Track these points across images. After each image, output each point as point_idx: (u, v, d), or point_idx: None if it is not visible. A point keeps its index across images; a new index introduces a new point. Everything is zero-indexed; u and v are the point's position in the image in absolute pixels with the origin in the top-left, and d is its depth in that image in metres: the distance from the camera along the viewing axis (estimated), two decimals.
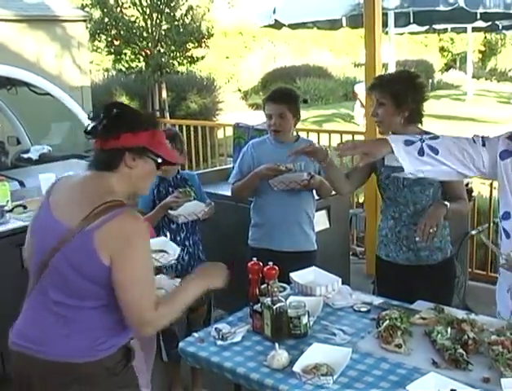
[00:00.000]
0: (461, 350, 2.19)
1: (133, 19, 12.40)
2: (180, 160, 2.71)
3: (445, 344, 2.25)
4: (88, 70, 13.09)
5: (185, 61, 12.85)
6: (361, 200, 6.19)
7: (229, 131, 6.29)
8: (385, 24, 7.31)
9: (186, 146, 3.73)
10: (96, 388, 2.03)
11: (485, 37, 26.44)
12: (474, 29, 11.44)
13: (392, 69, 8.99)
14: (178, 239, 3.44)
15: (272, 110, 3.44)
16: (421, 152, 2.28)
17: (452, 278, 3.16)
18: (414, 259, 2.98)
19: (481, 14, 7.33)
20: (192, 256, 3.50)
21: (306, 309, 2.47)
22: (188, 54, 12.73)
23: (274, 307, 2.43)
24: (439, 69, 26.71)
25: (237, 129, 4.85)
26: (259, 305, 2.52)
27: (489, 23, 8.61)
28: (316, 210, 3.81)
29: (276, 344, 2.30)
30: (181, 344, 2.51)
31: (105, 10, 12.18)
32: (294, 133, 3.69)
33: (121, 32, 12.21)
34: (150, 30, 12.30)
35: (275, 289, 2.52)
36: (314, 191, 3.58)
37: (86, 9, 12.61)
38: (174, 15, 12.41)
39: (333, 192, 3.47)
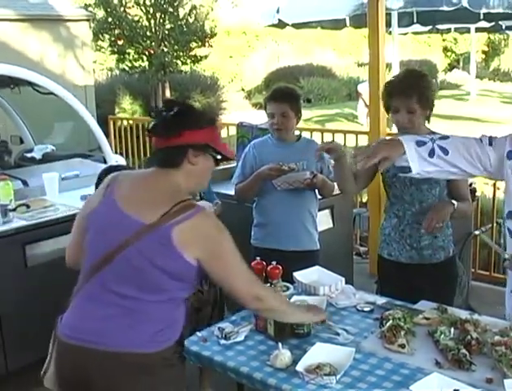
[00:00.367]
0: (464, 351, 2.19)
1: (136, 18, 12.43)
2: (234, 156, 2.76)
3: (448, 345, 2.25)
4: (91, 69, 13.10)
5: (188, 60, 12.88)
6: (365, 200, 6.18)
7: (233, 130, 6.28)
8: (388, 24, 7.31)
9: None
10: (156, 378, 2.07)
11: (488, 38, 26.38)
12: (478, 29, 11.42)
13: (396, 69, 8.99)
14: None
15: (274, 109, 3.44)
16: (431, 154, 2.27)
17: (454, 278, 3.16)
18: (417, 258, 2.97)
19: (484, 14, 7.31)
20: None
21: None
22: (192, 53, 12.76)
23: None
24: (442, 69, 26.68)
25: (241, 129, 4.85)
26: None
27: (492, 23, 8.60)
28: (320, 210, 3.81)
29: (279, 344, 2.30)
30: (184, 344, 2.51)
31: (109, 9, 12.21)
32: (296, 132, 3.69)
33: (125, 32, 12.23)
34: (153, 29, 12.32)
35: (279, 288, 2.52)
36: (316, 191, 3.58)
37: (90, 8, 12.64)
38: (178, 14, 12.43)
39: (336, 192, 3.47)
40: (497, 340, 2.22)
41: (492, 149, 2.32)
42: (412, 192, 2.93)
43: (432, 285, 2.92)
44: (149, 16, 12.20)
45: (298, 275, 2.91)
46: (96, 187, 3.06)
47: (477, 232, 4.96)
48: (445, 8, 6.76)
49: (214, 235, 2.09)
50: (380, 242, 3.15)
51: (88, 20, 12.50)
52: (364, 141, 5.62)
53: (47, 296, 3.79)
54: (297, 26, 8.37)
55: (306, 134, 5.78)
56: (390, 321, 2.40)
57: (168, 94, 12.58)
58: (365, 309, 2.71)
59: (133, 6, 12.44)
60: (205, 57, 13.05)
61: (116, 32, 12.35)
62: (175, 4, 12.22)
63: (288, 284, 2.87)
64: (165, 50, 12.40)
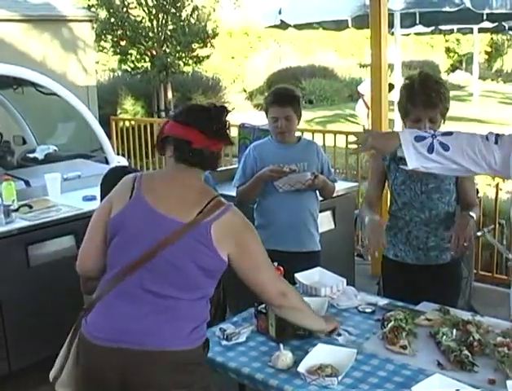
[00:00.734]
0: (466, 352, 2.19)
1: (139, 19, 12.43)
2: None
3: (450, 346, 2.24)
4: (94, 70, 13.11)
5: (190, 61, 12.88)
6: None
7: (234, 131, 6.28)
8: (391, 25, 7.30)
9: None
10: (192, 376, 2.10)
11: (491, 38, 26.37)
12: (481, 30, 11.40)
13: (398, 70, 8.98)
14: None
15: (278, 113, 3.42)
16: (430, 149, 2.24)
17: (459, 279, 3.13)
18: (423, 258, 2.95)
19: (487, 15, 7.30)
20: None
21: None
22: (194, 54, 12.76)
23: None
24: (444, 70, 26.67)
25: (242, 130, 4.85)
26: (264, 305, 2.52)
27: (495, 24, 8.59)
28: (321, 211, 3.80)
29: (281, 345, 2.30)
30: None
31: (111, 10, 12.22)
32: (297, 134, 3.69)
33: (127, 33, 12.25)
34: (156, 30, 12.33)
35: None
36: (317, 192, 3.58)
37: (92, 9, 12.66)
38: (180, 15, 12.44)
39: (336, 193, 3.47)
40: (500, 342, 2.22)
41: (498, 147, 2.26)
42: (423, 200, 2.89)
43: (437, 286, 2.90)
44: (151, 17, 12.21)
45: (300, 276, 2.91)
46: (102, 188, 3.06)
47: (479, 233, 4.94)
48: (448, 9, 6.76)
49: (245, 230, 2.17)
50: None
51: (90, 21, 12.51)
52: None
53: (50, 296, 3.81)
54: (299, 27, 8.37)
55: (307, 135, 5.79)
56: (392, 322, 2.40)
57: (170, 95, 12.57)
58: (367, 310, 2.71)
59: (135, 7, 12.44)
60: (207, 58, 13.05)
61: (119, 32, 12.35)
62: (177, 5, 12.22)
63: None
64: (168, 50, 12.41)
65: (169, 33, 12.40)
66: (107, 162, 5.14)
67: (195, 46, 12.60)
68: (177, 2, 12.21)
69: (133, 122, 8.89)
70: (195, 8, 12.58)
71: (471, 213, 2.76)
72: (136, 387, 2.06)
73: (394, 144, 2.29)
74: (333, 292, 2.81)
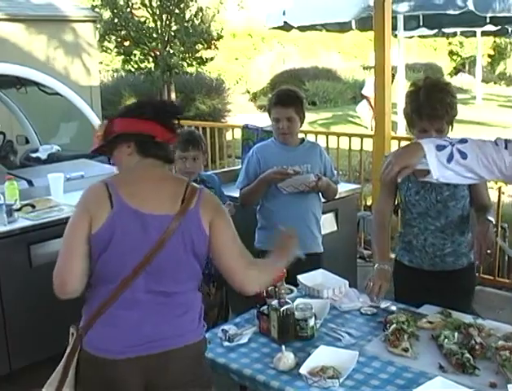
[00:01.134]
0: (467, 355, 2.19)
1: (143, 20, 12.44)
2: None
3: (452, 349, 2.24)
4: (97, 70, 13.12)
5: (194, 62, 12.88)
6: (369, 203, 6.18)
7: (238, 132, 6.29)
8: (394, 27, 7.31)
9: None
10: (203, 366, 2.19)
11: (494, 41, 26.32)
12: (484, 33, 11.44)
13: (401, 73, 8.98)
14: None
15: (280, 114, 3.43)
16: (450, 159, 2.16)
17: (474, 284, 3.09)
18: (440, 265, 2.90)
19: (490, 18, 7.32)
20: (209, 258, 3.46)
21: (312, 312, 2.47)
22: (197, 55, 12.75)
23: (281, 309, 2.43)
24: (447, 73, 26.63)
25: (246, 131, 4.85)
26: (266, 306, 2.52)
27: (499, 27, 8.61)
28: (324, 213, 3.80)
29: (283, 347, 2.30)
30: None
31: (115, 10, 12.22)
32: (300, 135, 3.69)
33: (131, 33, 12.25)
34: (159, 31, 12.33)
35: (283, 291, 2.52)
36: (320, 193, 3.57)
37: (96, 9, 12.66)
38: (184, 16, 12.43)
39: (339, 194, 3.45)
40: (501, 345, 2.22)
41: (508, 152, 2.21)
42: (439, 209, 2.86)
43: (452, 291, 2.85)
44: (155, 18, 12.22)
45: (302, 278, 2.92)
46: None
47: (498, 240, 4.92)
48: (451, 12, 6.78)
49: (218, 203, 2.25)
50: (398, 248, 3.08)
51: (94, 21, 12.52)
52: (369, 144, 5.62)
53: (52, 296, 3.80)
54: (302, 28, 8.39)
55: (311, 137, 5.79)
56: (394, 325, 2.41)
57: (173, 95, 12.57)
58: (369, 312, 2.71)
59: (139, 8, 12.45)
60: (211, 59, 13.05)
61: (123, 33, 12.36)
62: (181, 6, 12.23)
63: (292, 287, 2.87)
64: (171, 51, 12.41)
65: (172, 34, 12.40)
66: (110, 162, 5.14)
67: (199, 47, 12.61)
68: (181, 2, 12.21)
69: None
70: (199, 9, 12.58)
71: (489, 217, 2.72)
72: (162, 388, 2.10)
73: (419, 157, 2.16)
74: (336, 293, 2.82)
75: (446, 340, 2.32)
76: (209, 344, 2.46)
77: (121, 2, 12.29)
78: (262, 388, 2.21)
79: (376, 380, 2.15)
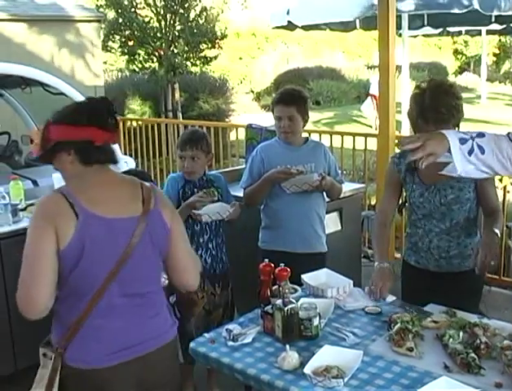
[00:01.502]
0: (473, 354, 2.18)
1: (147, 19, 12.44)
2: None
3: (457, 349, 2.24)
4: (102, 70, 13.13)
5: (198, 62, 12.88)
6: (373, 203, 6.17)
7: (241, 132, 6.29)
8: (399, 27, 7.30)
9: None
10: (176, 368, 2.28)
11: (499, 40, 26.29)
12: (489, 32, 11.38)
13: (406, 72, 8.96)
14: (202, 240, 3.42)
15: (281, 112, 3.43)
16: (470, 152, 2.12)
17: (481, 285, 3.06)
18: (446, 266, 2.89)
19: (496, 16, 7.29)
20: (214, 258, 3.46)
21: (317, 311, 2.47)
22: (201, 54, 12.75)
23: (285, 309, 2.43)
24: (452, 72, 26.62)
25: (250, 130, 4.85)
26: (270, 306, 2.52)
27: (504, 25, 8.57)
28: (328, 212, 3.80)
29: (287, 346, 2.30)
30: (192, 345, 2.52)
31: (119, 10, 12.23)
32: (304, 135, 3.68)
33: (135, 33, 12.25)
34: (164, 31, 12.33)
35: (287, 291, 2.52)
36: (324, 193, 3.57)
37: (101, 9, 12.66)
38: (188, 15, 12.43)
39: (343, 194, 3.44)
40: (507, 345, 2.21)
41: None
42: (443, 211, 2.84)
43: (459, 292, 2.82)
44: (160, 18, 12.21)
45: (306, 277, 2.91)
46: None
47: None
48: (456, 10, 6.75)
49: (172, 205, 2.33)
50: (405, 248, 3.08)
51: (99, 21, 12.53)
52: (373, 143, 5.61)
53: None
54: (306, 28, 8.37)
55: (315, 136, 5.79)
56: (399, 324, 2.40)
57: (177, 95, 12.58)
58: (373, 311, 2.70)
59: (144, 8, 12.45)
60: (215, 58, 13.05)
61: (127, 33, 12.36)
62: (186, 6, 12.23)
63: (296, 286, 2.87)
64: (175, 51, 12.40)
65: (177, 34, 12.40)
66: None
67: (203, 46, 12.61)
68: (185, 2, 12.21)
69: (140, 122, 8.91)
70: (203, 9, 12.58)
71: (495, 230, 2.68)
72: (152, 388, 2.14)
73: (446, 147, 2.10)
74: (340, 293, 2.81)
75: (451, 339, 2.31)
76: (213, 344, 2.47)
77: (126, 2, 12.30)
78: (267, 388, 2.20)
79: (380, 380, 2.15)
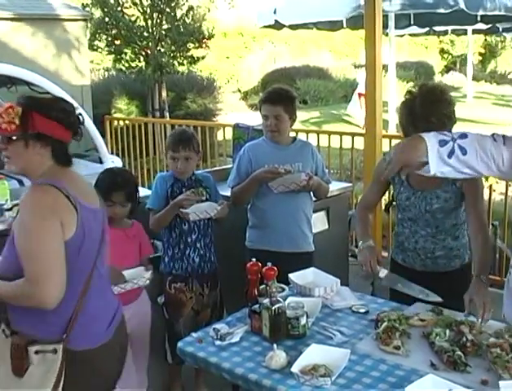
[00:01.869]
0: (459, 352, 2.20)
1: (133, 18, 12.39)
2: None
3: (443, 346, 2.25)
4: (88, 69, 13.09)
5: (185, 61, 12.84)
6: None
7: (229, 131, 6.29)
8: (385, 26, 7.31)
9: None
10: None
11: (485, 40, 26.46)
12: (475, 31, 11.44)
13: (392, 71, 8.99)
14: (190, 240, 3.41)
15: (268, 111, 3.43)
16: (450, 154, 2.12)
17: (467, 284, 3.08)
18: (431, 266, 2.90)
19: (481, 16, 7.32)
20: (202, 258, 3.45)
21: (304, 310, 2.47)
22: (188, 54, 12.72)
23: (272, 308, 2.43)
24: (439, 71, 26.73)
25: (237, 130, 4.85)
26: (258, 305, 2.52)
27: (489, 25, 8.62)
28: (315, 211, 3.81)
29: (275, 345, 2.30)
30: (179, 344, 2.51)
31: (106, 9, 12.16)
32: (291, 134, 3.68)
33: (122, 32, 12.19)
34: (150, 30, 12.29)
35: (274, 290, 2.52)
36: (311, 192, 3.57)
37: (87, 8, 12.60)
38: (175, 15, 12.40)
39: (330, 193, 3.45)
40: (492, 342, 2.23)
41: (506, 148, 2.20)
42: (428, 218, 2.85)
43: (447, 292, 2.79)
44: (146, 17, 12.17)
45: (294, 277, 2.91)
46: (96, 187, 3.10)
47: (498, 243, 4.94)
48: (442, 10, 6.78)
49: None
50: (394, 246, 3.10)
51: (85, 20, 12.48)
52: (360, 142, 5.63)
53: None
54: (293, 27, 8.37)
55: (302, 136, 5.80)
56: (386, 323, 2.41)
57: (164, 94, 12.55)
58: (360, 310, 2.71)
59: (130, 7, 12.39)
60: (202, 58, 13.02)
61: (113, 32, 12.30)
62: (172, 5, 12.19)
63: (283, 285, 2.87)
64: (162, 50, 12.36)
65: (163, 33, 12.36)
66: (101, 162, 5.13)
67: (190, 46, 12.57)
68: (172, 1, 12.17)
69: (127, 121, 8.87)
70: (190, 8, 12.55)
71: (483, 280, 2.61)
72: (125, 350, 2.41)
73: (421, 152, 2.11)
74: (327, 292, 2.81)
75: (437, 337, 2.32)
76: (200, 344, 2.47)
77: (112, 1, 12.24)
78: (254, 387, 2.20)
79: (368, 378, 2.16)
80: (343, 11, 7.25)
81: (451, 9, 6.65)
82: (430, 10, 7.15)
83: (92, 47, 13.22)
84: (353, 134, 6.18)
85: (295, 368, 2.15)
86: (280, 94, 3.47)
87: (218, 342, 2.45)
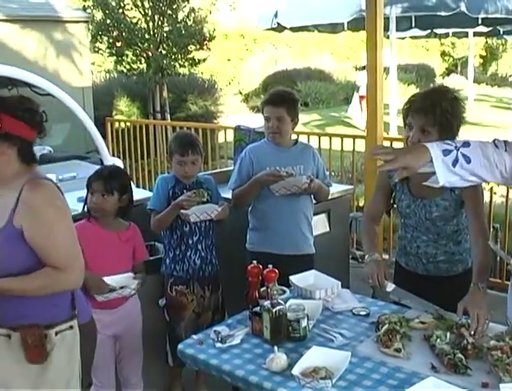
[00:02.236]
0: (460, 355, 2.19)
1: (135, 20, 12.39)
2: None
3: (444, 349, 2.25)
4: (89, 71, 13.09)
5: (186, 63, 12.85)
6: (361, 204, 6.19)
7: (230, 133, 6.29)
8: (386, 28, 7.33)
9: None
10: None
11: (486, 42, 26.44)
12: (476, 34, 11.48)
13: (393, 73, 9.01)
14: (191, 242, 3.41)
15: (270, 113, 3.43)
16: (455, 163, 2.13)
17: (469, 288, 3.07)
18: (434, 271, 2.90)
19: (482, 19, 7.36)
20: (203, 260, 3.45)
21: (305, 313, 2.47)
22: (190, 56, 12.73)
23: (273, 310, 2.43)
24: (440, 74, 26.71)
25: (238, 132, 4.85)
26: (259, 307, 2.52)
27: (490, 28, 8.65)
28: (316, 214, 3.81)
29: (275, 347, 2.30)
30: (180, 347, 2.51)
31: (107, 11, 12.17)
32: (293, 136, 3.68)
33: (123, 34, 12.20)
34: (152, 32, 12.30)
35: (275, 292, 2.52)
36: (312, 195, 3.57)
37: (88, 10, 12.61)
38: (176, 17, 12.40)
39: (331, 195, 3.44)
40: (493, 345, 2.22)
41: (508, 154, 2.21)
42: (428, 226, 2.85)
43: (447, 296, 2.77)
44: (147, 19, 12.18)
45: (294, 279, 2.91)
46: (88, 188, 3.14)
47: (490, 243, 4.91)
48: (443, 13, 6.81)
49: None
50: (397, 249, 3.10)
51: (86, 22, 12.47)
52: (361, 145, 5.63)
53: None
54: (295, 30, 8.40)
55: (303, 138, 5.80)
56: (386, 325, 2.41)
57: (165, 96, 12.55)
58: (361, 313, 2.71)
59: (131, 9, 12.41)
60: (204, 60, 13.02)
61: (115, 34, 12.31)
62: (174, 7, 12.20)
63: (284, 288, 2.87)
64: (163, 52, 12.37)
65: (165, 35, 12.37)
66: (102, 163, 5.13)
67: (191, 48, 12.58)
68: (173, 3, 12.18)
69: (128, 123, 8.89)
70: (191, 10, 12.56)
71: (481, 285, 2.58)
72: None
73: (424, 161, 2.12)
74: (328, 294, 2.81)
75: (438, 340, 2.32)
76: (201, 346, 2.47)
77: (113, 3, 12.25)
78: (255, 389, 2.20)
79: (368, 381, 2.15)
80: (344, 14, 7.27)
81: (452, 11, 6.68)
82: (432, 13, 7.18)
83: (93, 49, 13.23)
84: (354, 137, 6.19)
85: (296, 370, 2.15)
86: (283, 96, 3.48)
87: (218, 344, 2.45)
